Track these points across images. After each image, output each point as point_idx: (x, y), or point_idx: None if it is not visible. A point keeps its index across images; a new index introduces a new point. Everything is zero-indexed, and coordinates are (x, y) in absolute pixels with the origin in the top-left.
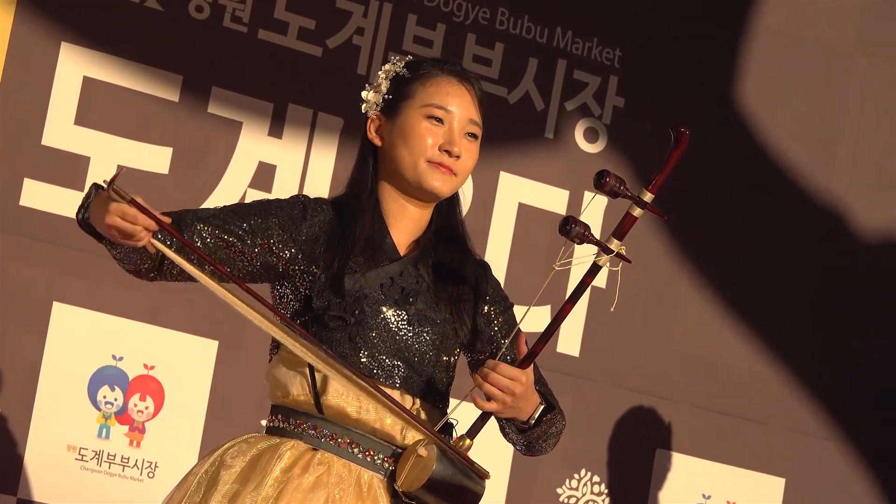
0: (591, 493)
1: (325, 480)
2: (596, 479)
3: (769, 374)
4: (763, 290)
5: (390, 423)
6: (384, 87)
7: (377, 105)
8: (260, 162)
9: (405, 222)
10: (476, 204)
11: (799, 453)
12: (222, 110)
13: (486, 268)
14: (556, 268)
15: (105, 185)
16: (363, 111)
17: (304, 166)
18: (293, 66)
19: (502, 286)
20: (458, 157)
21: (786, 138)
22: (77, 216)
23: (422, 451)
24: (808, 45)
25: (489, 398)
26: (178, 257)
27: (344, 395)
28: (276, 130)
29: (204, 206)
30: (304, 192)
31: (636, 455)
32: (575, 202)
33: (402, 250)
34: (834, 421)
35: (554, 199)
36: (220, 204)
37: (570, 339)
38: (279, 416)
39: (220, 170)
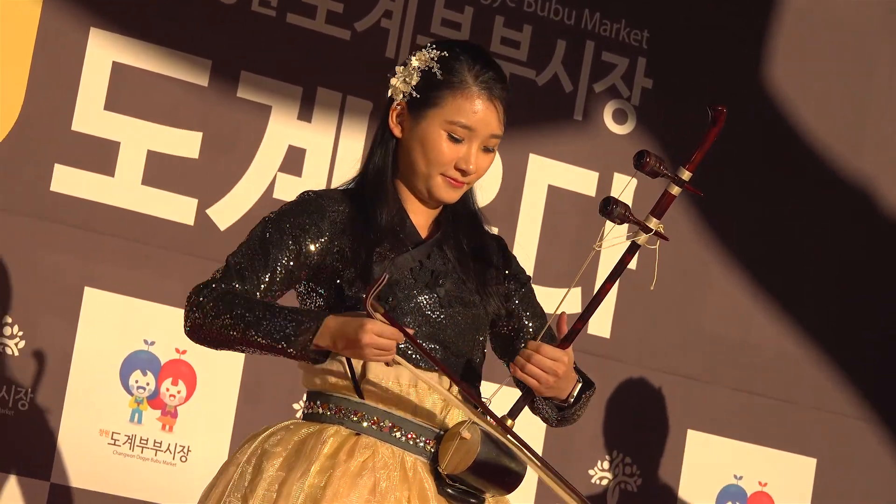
0: (624, 474)
1: (371, 465)
2: (628, 460)
3: (799, 354)
4: (792, 271)
5: (430, 405)
6: (414, 79)
7: (404, 95)
8: (289, 146)
9: (421, 207)
10: (506, 186)
11: (830, 433)
12: (251, 94)
13: (502, 243)
14: (597, 248)
15: (365, 301)
16: (389, 94)
17: (334, 150)
18: (322, 49)
19: (532, 268)
20: (472, 173)
21: (814, 119)
22: (294, 348)
23: (466, 434)
24: (836, 25)
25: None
26: (411, 366)
27: (384, 379)
28: (305, 114)
29: (231, 192)
30: (321, 179)
31: (668, 436)
32: (604, 184)
33: (423, 233)
34: (866, 401)
35: (583, 181)
36: (252, 190)
37: (600, 321)
38: (318, 403)
39: (250, 154)
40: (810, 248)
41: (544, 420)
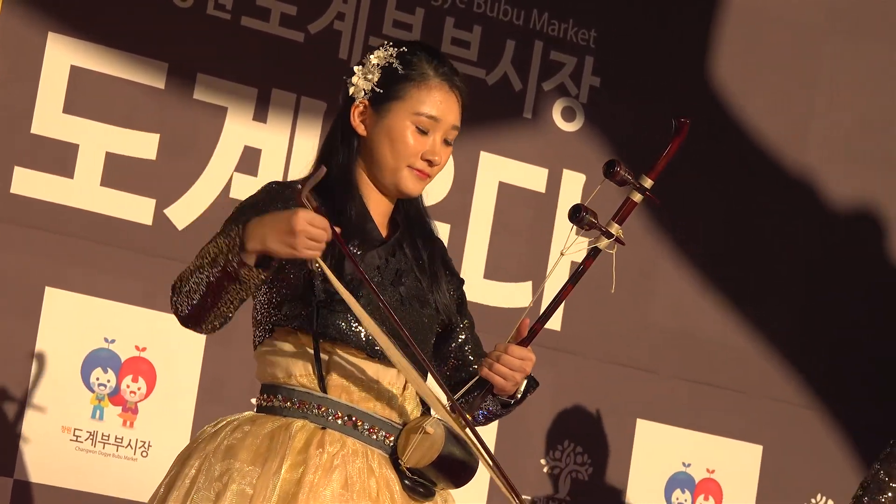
0: (575, 463)
1: (341, 458)
2: (579, 449)
3: (747, 345)
4: (739, 264)
5: (389, 400)
6: (375, 76)
7: (365, 93)
8: (245, 146)
9: (380, 205)
10: (457, 183)
11: (776, 421)
12: (208, 96)
13: (442, 245)
14: (564, 253)
15: (300, 195)
16: (350, 94)
17: (289, 150)
18: (276, 51)
19: (484, 263)
20: (437, 164)
21: (759, 114)
22: (231, 265)
23: (429, 429)
24: (779, 23)
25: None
26: (333, 277)
27: (347, 375)
28: (260, 115)
29: (188, 193)
30: (276, 179)
31: (618, 426)
32: (554, 180)
33: (382, 231)
34: (810, 390)
35: (533, 178)
36: (208, 190)
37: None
38: (278, 396)
39: (207, 155)
40: (756, 242)
41: (484, 416)
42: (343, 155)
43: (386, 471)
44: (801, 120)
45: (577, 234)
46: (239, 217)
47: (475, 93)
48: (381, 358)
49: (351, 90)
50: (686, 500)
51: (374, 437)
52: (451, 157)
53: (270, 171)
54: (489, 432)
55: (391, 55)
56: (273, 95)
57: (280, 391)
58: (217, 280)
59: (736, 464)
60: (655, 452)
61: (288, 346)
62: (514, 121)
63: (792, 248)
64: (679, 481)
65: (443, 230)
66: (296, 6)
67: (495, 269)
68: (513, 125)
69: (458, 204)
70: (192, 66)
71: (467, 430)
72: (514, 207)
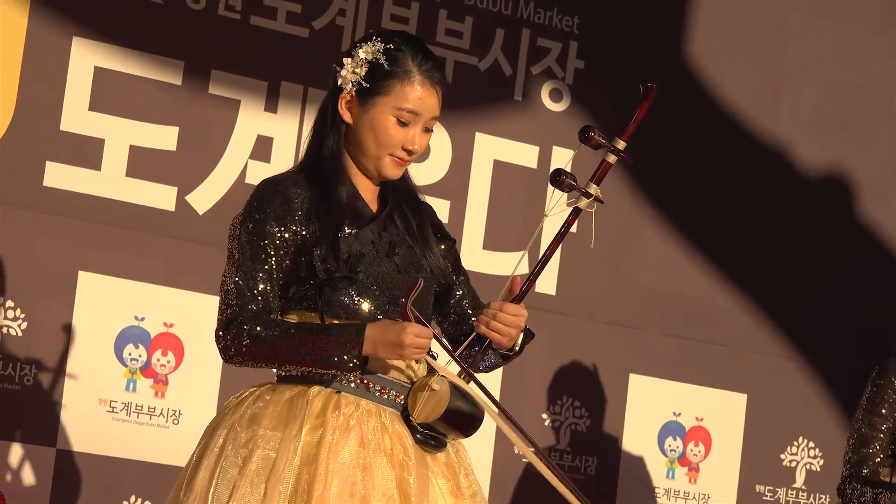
0: (573, 416)
1: (357, 419)
2: (577, 403)
3: (730, 301)
4: (720, 226)
5: (397, 363)
6: (363, 70)
7: (353, 84)
8: (258, 135)
9: (368, 185)
10: (455, 163)
11: (759, 371)
12: (221, 90)
13: (433, 210)
14: (548, 215)
15: (405, 306)
16: (338, 84)
17: (298, 137)
18: (284, 47)
19: (483, 235)
20: (415, 152)
21: (733, 89)
22: (345, 368)
23: (435, 386)
24: (748, 4)
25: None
26: (440, 366)
27: None
28: (271, 106)
29: (207, 180)
30: (269, 175)
31: (612, 380)
32: (544, 157)
33: (372, 207)
34: (791, 341)
35: (525, 155)
36: (226, 176)
37: (546, 280)
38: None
39: (223, 144)
40: (735, 205)
41: (486, 366)
42: (333, 141)
43: (398, 427)
44: (771, 92)
45: (565, 197)
46: (251, 237)
47: (469, 78)
48: None
49: (340, 81)
50: (678, 447)
51: (386, 396)
52: (448, 138)
53: (282, 158)
54: (493, 389)
55: (378, 50)
56: (282, 88)
57: None
58: (312, 365)
59: (723, 412)
60: (648, 404)
61: (303, 319)
62: (506, 103)
63: (767, 210)
64: (671, 430)
65: (443, 206)
66: (300, 4)
67: (493, 241)
68: (505, 107)
69: (457, 181)
70: (207, 64)
71: (472, 383)
72: (509, 183)
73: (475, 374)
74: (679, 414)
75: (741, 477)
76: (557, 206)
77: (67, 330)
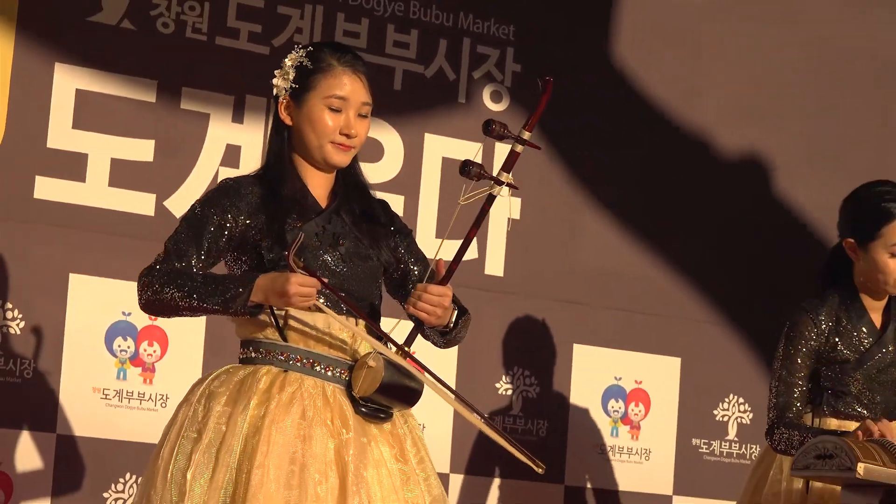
0: (524, 384)
1: (299, 395)
2: (527, 373)
3: (662, 275)
4: (652, 208)
5: (341, 343)
6: (291, 75)
7: (286, 90)
8: (227, 144)
9: (318, 180)
10: (407, 161)
11: (690, 337)
12: (192, 105)
13: (386, 205)
14: (462, 202)
15: (288, 258)
16: (274, 93)
17: (264, 145)
18: (247, 64)
19: (434, 227)
20: (354, 136)
21: (657, 83)
22: (234, 308)
23: (372, 363)
24: (667, 7)
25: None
26: (329, 310)
27: (303, 324)
28: (238, 117)
29: (183, 186)
30: (248, 172)
31: (558, 351)
32: (488, 153)
33: (322, 203)
34: (717, 308)
35: (471, 152)
36: (199, 183)
37: (495, 263)
38: (250, 348)
39: (196, 154)
40: (664, 189)
41: (434, 345)
42: (276, 144)
43: (341, 400)
44: (690, 85)
45: (499, 186)
46: (195, 214)
47: (417, 85)
48: (330, 309)
49: (275, 90)
50: (620, 408)
51: (331, 373)
52: (399, 139)
53: (250, 164)
54: (450, 363)
55: (302, 56)
56: (247, 101)
57: (252, 343)
58: (206, 311)
59: (659, 375)
60: (591, 370)
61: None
62: (451, 105)
63: (694, 191)
64: (613, 392)
65: (398, 201)
66: (261, 24)
67: (444, 230)
68: (450, 109)
69: (410, 178)
70: (178, 82)
71: (408, 358)
72: (456, 178)
73: (408, 349)
74: (620, 378)
75: (678, 432)
76: (475, 193)
77: (61, 327)
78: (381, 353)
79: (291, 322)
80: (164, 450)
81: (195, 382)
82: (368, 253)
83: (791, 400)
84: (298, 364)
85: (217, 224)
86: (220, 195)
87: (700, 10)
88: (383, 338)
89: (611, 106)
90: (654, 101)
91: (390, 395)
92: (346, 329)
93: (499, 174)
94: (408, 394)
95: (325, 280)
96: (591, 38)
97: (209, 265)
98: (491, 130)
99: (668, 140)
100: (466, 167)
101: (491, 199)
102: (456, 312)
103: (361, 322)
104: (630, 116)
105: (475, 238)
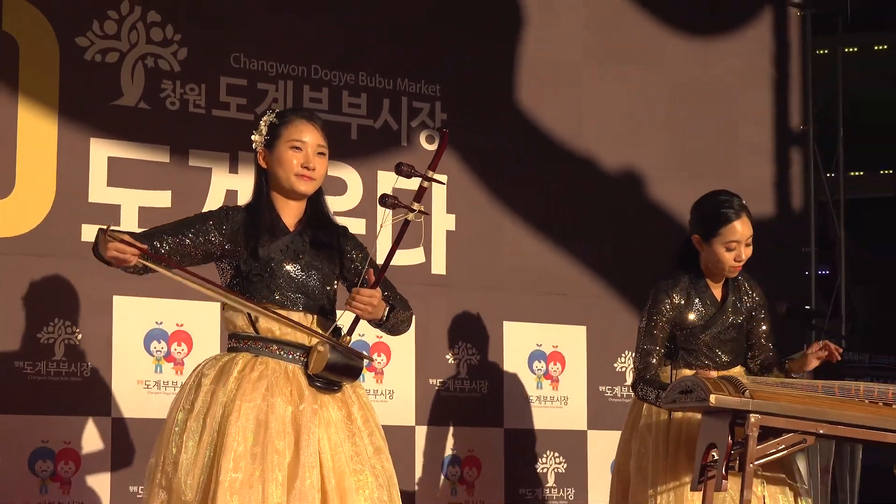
0: (468, 354)
1: (266, 373)
2: (469, 345)
3: (570, 265)
4: (558, 214)
5: (300, 335)
6: (264, 131)
7: (261, 143)
8: (227, 190)
9: (289, 211)
10: (366, 193)
11: (593, 310)
12: (198, 162)
13: (345, 230)
14: (382, 227)
15: (104, 231)
16: (253, 147)
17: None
18: (238, 128)
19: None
20: (314, 169)
21: (551, 120)
22: (93, 252)
23: (320, 348)
24: (554, 60)
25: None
26: (155, 265)
27: (272, 323)
28: (233, 169)
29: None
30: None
31: (492, 327)
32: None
33: (290, 227)
34: (612, 287)
35: (413, 184)
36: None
37: (438, 264)
38: (233, 340)
39: (203, 199)
40: (565, 199)
41: (388, 331)
42: (256, 185)
43: (299, 377)
44: (578, 118)
45: (409, 213)
46: (192, 219)
47: (368, 135)
48: (289, 307)
49: (254, 144)
50: (542, 367)
51: (292, 356)
52: (357, 176)
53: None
54: (411, 342)
55: (272, 117)
56: (240, 156)
57: (234, 336)
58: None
59: (571, 340)
60: (515, 339)
61: (235, 311)
62: (396, 148)
63: (587, 201)
64: (536, 355)
65: (360, 224)
66: (246, 98)
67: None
68: (396, 151)
69: (368, 206)
70: (185, 145)
71: (340, 344)
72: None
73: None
74: (541, 344)
75: (588, 382)
76: (394, 219)
77: (110, 336)
78: (327, 340)
79: (262, 322)
80: (170, 417)
81: (194, 368)
82: (323, 265)
83: (651, 363)
84: (266, 350)
85: (200, 229)
86: (212, 215)
87: (581, 58)
88: (313, 332)
89: (517, 138)
90: (549, 133)
91: (335, 371)
92: (287, 324)
93: (411, 204)
94: (350, 370)
95: (144, 247)
96: (498, 89)
97: (173, 248)
98: (401, 171)
99: (562, 162)
100: (385, 199)
101: (406, 223)
102: (388, 309)
103: (312, 317)
104: (532, 145)
105: (421, 245)
